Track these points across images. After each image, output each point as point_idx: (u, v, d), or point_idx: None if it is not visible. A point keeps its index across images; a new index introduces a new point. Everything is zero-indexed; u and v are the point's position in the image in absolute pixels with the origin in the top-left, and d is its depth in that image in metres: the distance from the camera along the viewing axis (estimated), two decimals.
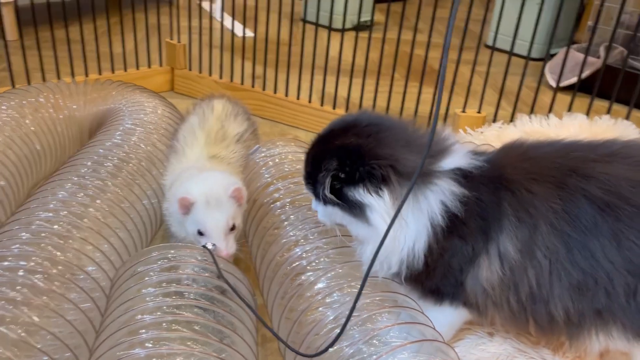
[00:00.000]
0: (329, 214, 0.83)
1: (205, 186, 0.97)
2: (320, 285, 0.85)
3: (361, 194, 0.76)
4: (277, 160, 1.12)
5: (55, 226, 0.91)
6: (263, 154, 1.15)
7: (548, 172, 0.77)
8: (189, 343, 0.72)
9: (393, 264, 0.79)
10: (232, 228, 0.96)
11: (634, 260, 0.72)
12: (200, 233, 0.94)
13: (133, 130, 1.22)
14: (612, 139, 0.79)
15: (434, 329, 0.78)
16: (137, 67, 1.88)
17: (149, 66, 1.91)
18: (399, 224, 0.76)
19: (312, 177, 0.82)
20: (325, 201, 0.80)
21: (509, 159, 0.81)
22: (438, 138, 0.82)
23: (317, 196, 0.82)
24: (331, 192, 0.78)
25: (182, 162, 1.08)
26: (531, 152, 0.81)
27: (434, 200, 0.76)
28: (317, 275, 0.87)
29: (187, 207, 0.95)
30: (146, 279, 0.83)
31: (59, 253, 0.87)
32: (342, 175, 0.77)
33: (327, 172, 0.78)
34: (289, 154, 1.13)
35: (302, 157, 1.14)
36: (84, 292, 0.86)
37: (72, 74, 1.69)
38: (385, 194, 0.76)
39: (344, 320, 0.77)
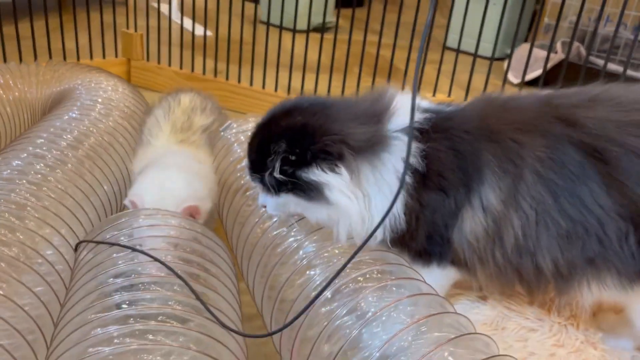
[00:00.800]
0: (282, 205, 0.77)
1: (158, 194, 0.88)
2: (303, 250, 0.80)
3: (316, 174, 0.71)
4: (249, 135, 1.06)
5: (13, 194, 0.82)
6: (234, 130, 1.09)
7: (531, 121, 0.75)
8: (170, 303, 0.65)
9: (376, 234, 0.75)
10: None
11: (624, 202, 0.70)
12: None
13: (92, 106, 1.13)
14: (589, 85, 0.78)
15: (428, 284, 0.74)
16: (91, 58, 1.78)
17: (104, 57, 1.81)
18: (363, 200, 0.73)
19: (258, 166, 0.75)
20: (277, 190, 0.74)
21: (489, 110, 0.79)
22: (382, 99, 0.78)
23: (266, 186, 0.75)
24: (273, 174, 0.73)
25: (149, 152, 1.01)
26: (511, 103, 0.78)
27: (395, 161, 0.73)
28: (300, 241, 0.81)
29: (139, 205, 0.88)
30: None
31: (17, 221, 0.78)
32: (293, 158, 0.71)
33: (277, 155, 0.72)
34: None
35: None
36: (48, 265, 0.77)
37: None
38: (342, 169, 0.71)
39: (334, 283, 0.72)
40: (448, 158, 0.74)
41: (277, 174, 0.72)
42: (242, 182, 0.97)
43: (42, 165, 0.90)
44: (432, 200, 0.75)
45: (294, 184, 0.73)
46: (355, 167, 0.72)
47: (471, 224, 0.75)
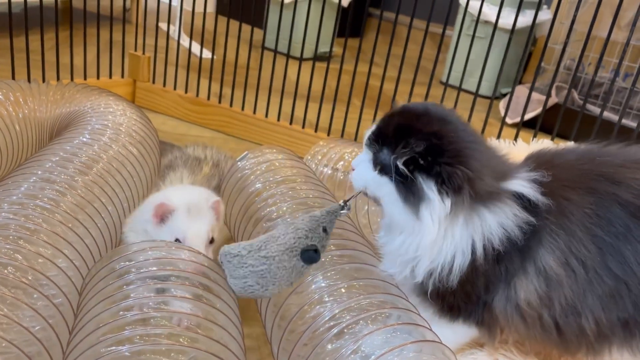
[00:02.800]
0: (373, 182, 0.76)
1: (185, 194, 0.95)
2: (316, 285, 0.82)
3: (430, 187, 0.71)
4: (264, 168, 1.08)
5: (23, 219, 0.83)
6: (251, 161, 1.11)
7: (577, 178, 0.76)
8: (180, 339, 0.66)
9: (421, 271, 0.76)
10: (211, 241, 0.93)
11: None
12: (177, 241, 0.90)
13: (103, 131, 1.15)
14: (634, 146, 0.80)
15: (433, 331, 0.76)
16: (98, 78, 1.80)
17: (110, 77, 1.83)
18: (444, 233, 0.73)
19: (385, 141, 0.74)
20: (384, 171, 0.74)
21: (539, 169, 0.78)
22: (500, 157, 0.79)
23: (377, 160, 0.75)
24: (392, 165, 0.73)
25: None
26: (556, 160, 0.79)
27: (493, 221, 0.73)
28: (314, 275, 0.83)
29: (164, 214, 0.91)
30: (127, 275, 0.77)
31: (28, 246, 0.79)
32: (421, 162, 0.71)
33: (410, 151, 0.71)
34: (276, 162, 1.10)
35: (289, 163, 1.12)
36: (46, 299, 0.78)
37: (29, 82, 1.59)
38: (449, 202, 0.71)
39: (341, 322, 0.74)
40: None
41: (400, 164, 0.72)
42: (262, 213, 0.98)
43: (53, 190, 0.92)
44: (486, 266, 0.75)
45: (404, 178, 0.72)
46: (461, 208, 0.72)
47: (526, 293, 0.75)
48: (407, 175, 0.72)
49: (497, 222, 0.73)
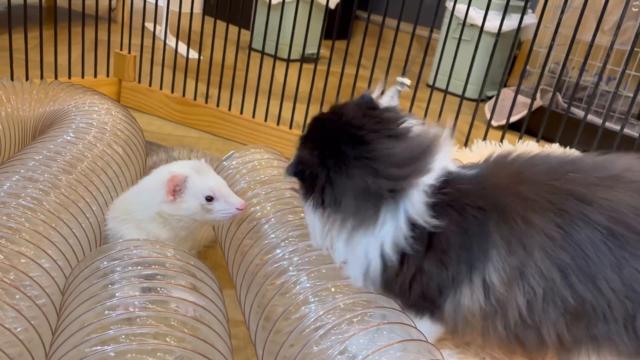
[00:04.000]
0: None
1: (184, 163, 0.94)
2: (301, 285, 0.81)
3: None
4: (249, 167, 1.08)
5: (5, 218, 0.82)
6: (236, 161, 1.11)
7: (545, 197, 0.74)
8: (167, 339, 0.66)
9: (358, 277, 0.78)
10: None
11: (635, 287, 0.71)
12: (208, 199, 0.89)
13: (87, 130, 1.14)
14: (609, 157, 0.78)
15: (418, 329, 0.76)
16: (83, 77, 1.78)
17: (95, 76, 1.81)
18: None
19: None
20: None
21: (502, 180, 0.77)
22: (425, 137, 0.79)
23: None
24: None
25: None
26: (525, 173, 0.77)
27: (402, 216, 0.74)
28: (298, 276, 0.82)
29: (179, 184, 0.88)
30: (111, 274, 0.76)
31: (10, 245, 0.77)
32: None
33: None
34: (262, 161, 1.10)
35: (276, 163, 1.11)
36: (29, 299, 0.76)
37: (12, 80, 1.57)
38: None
39: (326, 322, 0.74)
40: (456, 235, 0.75)
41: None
42: (247, 212, 0.98)
43: (35, 189, 0.90)
44: (431, 269, 0.76)
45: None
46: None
47: (469, 302, 0.75)
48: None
49: (404, 214, 0.75)
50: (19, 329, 0.70)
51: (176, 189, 0.88)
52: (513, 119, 2.13)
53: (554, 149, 1.43)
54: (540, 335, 0.74)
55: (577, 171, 0.76)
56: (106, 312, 0.68)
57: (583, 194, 0.73)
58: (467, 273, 0.75)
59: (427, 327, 0.81)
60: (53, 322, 0.76)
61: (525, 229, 0.73)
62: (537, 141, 1.59)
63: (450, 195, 0.76)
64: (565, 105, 2.17)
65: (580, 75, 1.57)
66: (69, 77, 1.74)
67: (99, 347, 0.62)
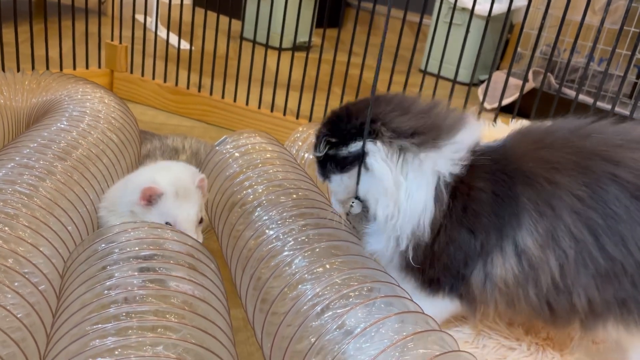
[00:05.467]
0: (344, 184, 0.83)
1: (172, 175, 0.93)
2: (296, 265, 0.82)
3: (357, 145, 0.79)
4: (243, 150, 1.08)
5: (1, 204, 0.82)
6: (229, 145, 1.11)
7: (569, 158, 0.75)
8: (167, 316, 0.66)
9: (404, 237, 0.78)
10: (200, 221, 0.93)
11: None
12: (168, 224, 0.89)
13: (81, 117, 1.14)
14: (625, 125, 0.79)
15: (415, 302, 0.76)
16: (74, 68, 1.78)
17: (87, 67, 1.81)
18: (404, 191, 0.77)
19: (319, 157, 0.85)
20: (327, 173, 0.84)
21: (525, 148, 0.79)
22: (455, 113, 0.83)
23: (323, 173, 0.85)
24: (328, 158, 0.82)
25: None
26: (547, 139, 0.78)
27: (439, 167, 0.77)
28: (293, 255, 0.83)
29: (152, 197, 0.90)
30: (109, 256, 0.77)
31: (7, 229, 0.78)
32: (334, 140, 0.80)
33: (320, 138, 0.82)
34: (256, 145, 1.10)
35: (269, 147, 1.12)
36: (41, 273, 0.77)
37: (4, 72, 1.56)
38: (378, 143, 0.78)
39: (323, 299, 0.75)
40: (485, 201, 0.76)
41: (320, 151, 0.82)
42: (239, 196, 0.98)
43: (31, 175, 0.90)
44: (459, 237, 0.77)
45: (337, 162, 0.82)
46: (390, 148, 0.78)
47: (501, 270, 0.75)
48: (338, 158, 0.81)
49: (445, 165, 0.77)
50: (20, 315, 0.70)
51: (149, 199, 0.89)
52: (506, 101, 2.14)
53: None
54: (571, 300, 0.74)
55: (600, 133, 0.77)
56: (105, 291, 0.69)
57: (609, 153, 0.73)
58: (498, 240, 0.76)
59: (441, 306, 0.82)
60: (53, 306, 0.77)
61: (550, 189, 0.74)
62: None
63: (478, 164, 0.78)
64: (558, 87, 2.18)
65: (570, 55, 1.58)
66: (61, 69, 1.74)
67: (100, 325, 0.63)
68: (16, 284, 0.73)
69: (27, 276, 0.74)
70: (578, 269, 0.73)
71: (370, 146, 0.78)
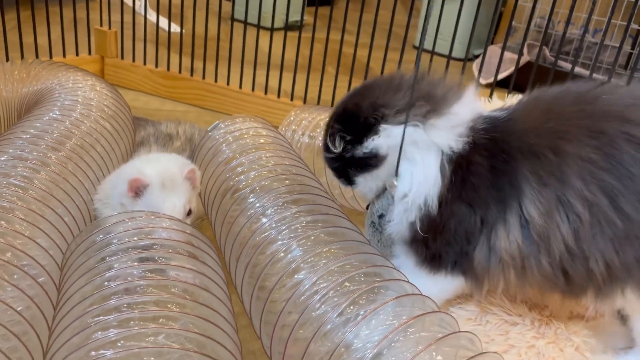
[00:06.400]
0: (371, 182, 0.85)
1: (159, 166, 0.93)
2: (292, 254, 0.81)
3: (374, 142, 0.80)
4: (237, 135, 1.07)
5: None
6: (222, 130, 1.10)
7: (580, 123, 0.73)
8: (169, 305, 0.66)
9: (414, 208, 0.79)
10: (189, 213, 0.92)
11: None
12: None
13: (73, 106, 1.12)
14: (637, 84, 0.78)
15: (412, 284, 0.76)
16: (64, 56, 1.75)
17: (77, 54, 1.79)
18: (413, 164, 0.79)
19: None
20: (345, 174, 0.85)
21: (532, 121, 0.78)
22: (448, 84, 0.83)
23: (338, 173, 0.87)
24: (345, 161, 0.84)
25: None
26: (555, 108, 0.77)
27: (444, 139, 0.77)
28: (288, 244, 0.83)
29: (139, 189, 0.89)
30: (108, 247, 0.76)
31: (3, 223, 0.77)
32: (348, 138, 0.81)
33: (333, 135, 0.83)
34: (250, 130, 1.09)
35: (264, 132, 1.11)
36: (39, 265, 0.77)
37: None
38: (384, 127, 0.79)
39: (322, 287, 0.74)
40: (485, 174, 0.76)
41: (336, 147, 0.83)
42: (231, 182, 0.97)
43: (25, 167, 0.89)
44: (460, 211, 0.76)
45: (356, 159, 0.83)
46: (395, 123, 0.79)
47: (505, 243, 0.75)
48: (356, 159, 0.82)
49: (447, 138, 0.77)
50: (20, 308, 0.70)
51: (136, 190, 0.89)
52: (501, 75, 2.12)
53: None
54: (588, 265, 0.72)
55: (610, 94, 0.76)
56: (105, 283, 0.69)
57: (621, 112, 0.72)
58: (501, 213, 0.75)
59: (444, 284, 0.82)
60: (54, 299, 0.77)
61: (555, 159, 0.73)
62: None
63: (479, 135, 0.77)
64: (553, 59, 2.17)
65: (566, 27, 1.56)
66: (50, 57, 1.71)
67: (101, 317, 0.63)
68: (15, 277, 0.73)
69: (25, 269, 0.74)
70: (594, 232, 0.71)
71: (391, 131, 0.79)
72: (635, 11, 1.61)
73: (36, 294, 0.74)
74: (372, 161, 0.81)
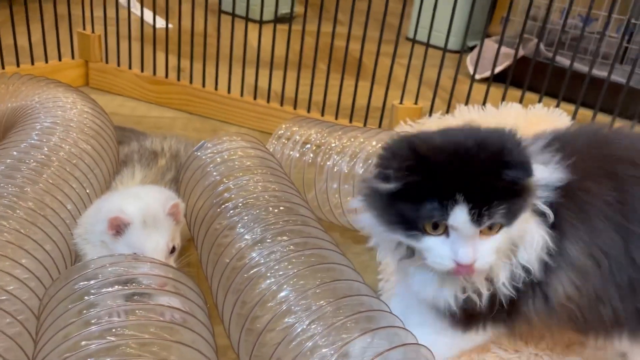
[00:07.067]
0: (507, 239, 0.68)
1: (140, 203, 0.89)
2: (283, 293, 0.79)
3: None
4: (225, 156, 1.03)
5: None
6: (209, 150, 1.06)
7: (595, 164, 0.72)
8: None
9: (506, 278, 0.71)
10: (172, 250, 0.89)
11: None
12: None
13: (52, 130, 1.08)
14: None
15: (407, 329, 0.73)
16: (46, 61, 1.70)
17: (60, 59, 1.73)
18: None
19: (490, 197, 0.64)
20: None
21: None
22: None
23: (506, 218, 0.66)
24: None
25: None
26: (568, 148, 0.73)
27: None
28: (278, 282, 0.80)
29: (119, 227, 0.86)
30: (86, 297, 0.73)
31: None
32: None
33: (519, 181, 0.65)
34: (238, 150, 1.05)
35: (252, 152, 1.07)
36: (10, 316, 0.74)
37: None
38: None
39: (314, 332, 0.72)
40: None
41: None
42: (218, 209, 0.94)
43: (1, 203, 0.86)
44: None
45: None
46: None
47: (565, 287, 0.71)
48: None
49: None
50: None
51: (117, 229, 0.86)
52: (496, 70, 2.07)
53: (538, 109, 1.38)
54: (600, 311, 0.71)
55: (619, 139, 0.75)
56: (83, 342, 0.66)
57: (632, 157, 0.71)
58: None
59: (471, 338, 0.78)
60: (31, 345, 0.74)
61: (582, 196, 0.70)
62: (522, 93, 1.53)
63: None
64: (547, 54, 2.12)
65: (565, 19, 1.52)
66: (32, 62, 1.66)
67: None
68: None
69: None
70: (607, 278, 0.70)
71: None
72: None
73: (17, 333, 0.72)
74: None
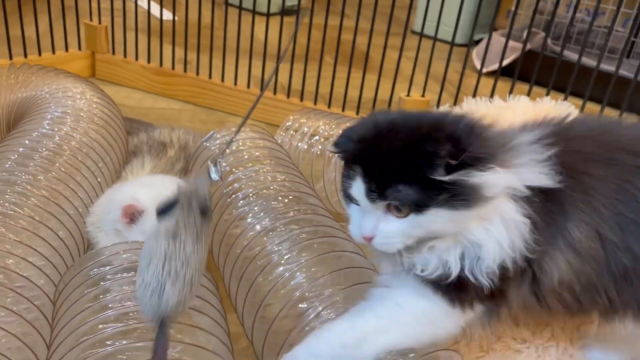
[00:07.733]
0: (417, 227, 0.62)
1: (153, 191, 0.89)
2: (296, 280, 0.79)
3: (480, 175, 0.61)
4: (234, 147, 1.03)
5: None
6: (218, 141, 1.06)
7: (597, 150, 0.70)
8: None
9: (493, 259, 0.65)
10: None
11: None
12: None
13: (63, 119, 1.09)
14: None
15: None
16: (53, 52, 1.70)
17: (67, 50, 1.73)
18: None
19: (393, 177, 0.61)
20: (423, 205, 0.61)
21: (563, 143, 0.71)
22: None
23: (397, 204, 0.62)
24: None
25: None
26: (570, 132, 0.73)
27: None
28: (291, 270, 0.81)
29: (133, 215, 0.86)
30: (102, 283, 0.74)
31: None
32: (454, 163, 0.60)
33: (440, 159, 0.59)
34: (247, 141, 1.06)
35: (261, 143, 1.07)
36: (28, 301, 0.74)
37: None
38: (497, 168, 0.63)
39: (326, 318, 0.72)
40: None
41: (442, 177, 0.60)
42: (228, 199, 0.94)
43: (14, 193, 0.87)
44: None
45: (450, 193, 0.61)
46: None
47: (560, 269, 0.68)
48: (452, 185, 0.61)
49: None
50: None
51: (131, 217, 0.86)
52: (496, 65, 2.07)
53: (545, 102, 1.38)
54: (595, 298, 0.70)
55: (620, 128, 0.74)
56: (100, 326, 0.67)
57: (632, 146, 0.70)
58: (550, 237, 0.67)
59: (457, 317, 0.72)
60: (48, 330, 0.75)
61: (588, 181, 0.68)
62: (530, 87, 1.54)
63: None
64: (554, 47, 2.12)
65: (574, 13, 1.52)
66: (39, 53, 1.66)
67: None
68: (8, 300, 0.71)
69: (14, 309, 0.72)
70: (602, 267, 0.68)
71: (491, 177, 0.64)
72: None
73: (35, 318, 0.73)
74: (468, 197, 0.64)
